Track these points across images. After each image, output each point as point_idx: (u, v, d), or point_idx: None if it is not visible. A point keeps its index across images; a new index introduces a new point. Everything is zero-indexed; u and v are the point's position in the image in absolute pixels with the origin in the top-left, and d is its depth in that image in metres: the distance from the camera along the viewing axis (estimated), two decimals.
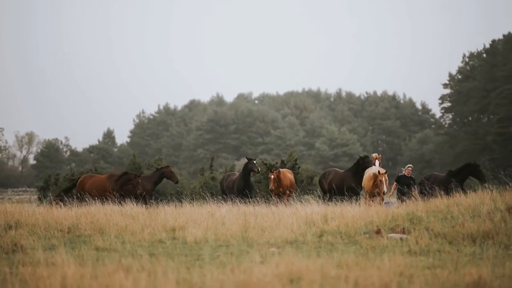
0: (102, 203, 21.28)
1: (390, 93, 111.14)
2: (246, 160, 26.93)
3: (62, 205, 21.39)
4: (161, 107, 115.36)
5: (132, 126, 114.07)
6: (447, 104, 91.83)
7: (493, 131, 79.87)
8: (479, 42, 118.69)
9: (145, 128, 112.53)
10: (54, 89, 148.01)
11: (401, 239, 13.69)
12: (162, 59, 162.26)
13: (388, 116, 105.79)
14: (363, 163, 24.58)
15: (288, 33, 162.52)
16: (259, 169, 26.59)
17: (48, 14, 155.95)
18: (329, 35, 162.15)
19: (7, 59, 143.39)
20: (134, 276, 9.77)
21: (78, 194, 24.68)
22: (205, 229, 15.35)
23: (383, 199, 21.47)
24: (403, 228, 14.55)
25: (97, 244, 13.84)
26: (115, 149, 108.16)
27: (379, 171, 21.28)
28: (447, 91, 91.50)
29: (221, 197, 25.35)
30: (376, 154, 23.24)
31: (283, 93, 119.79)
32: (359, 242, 13.72)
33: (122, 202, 21.77)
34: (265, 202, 23.15)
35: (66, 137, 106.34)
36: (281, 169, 25.83)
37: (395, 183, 23.23)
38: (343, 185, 24.78)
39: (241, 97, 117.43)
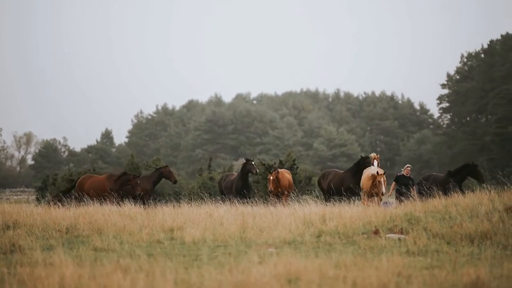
0: (100, 204, 21.28)
1: (388, 93, 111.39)
2: (244, 160, 26.89)
3: (60, 206, 21.40)
4: (159, 107, 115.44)
5: (130, 126, 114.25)
6: (445, 105, 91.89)
7: (491, 131, 79.90)
8: (479, 42, 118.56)
9: (143, 128, 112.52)
10: (53, 89, 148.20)
11: (399, 239, 13.70)
12: (162, 59, 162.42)
13: (386, 116, 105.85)
14: (364, 164, 24.51)
15: (287, 33, 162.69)
16: (257, 171, 26.53)
17: (48, 14, 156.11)
18: (329, 35, 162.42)
19: (7, 59, 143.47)
20: (132, 277, 9.77)
21: (77, 194, 24.68)
22: (203, 229, 15.35)
23: (381, 199, 21.46)
24: (401, 229, 14.55)
25: (95, 245, 13.84)
26: (113, 149, 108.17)
27: (378, 172, 21.25)
28: (445, 91, 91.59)
29: (219, 198, 25.35)
30: (375, 154, 23.21)
31: (281, 93, 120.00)
32: (357, 242, 13.72)
33: (120, 202, 21.78)
34: (263, 202, 23.15)
35: (64, 137, 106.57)
36: (279, 170, 25.79)
37: (393, 183, 23.23)
38: (343, 185, 24.73)
39: (239, 97, 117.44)
